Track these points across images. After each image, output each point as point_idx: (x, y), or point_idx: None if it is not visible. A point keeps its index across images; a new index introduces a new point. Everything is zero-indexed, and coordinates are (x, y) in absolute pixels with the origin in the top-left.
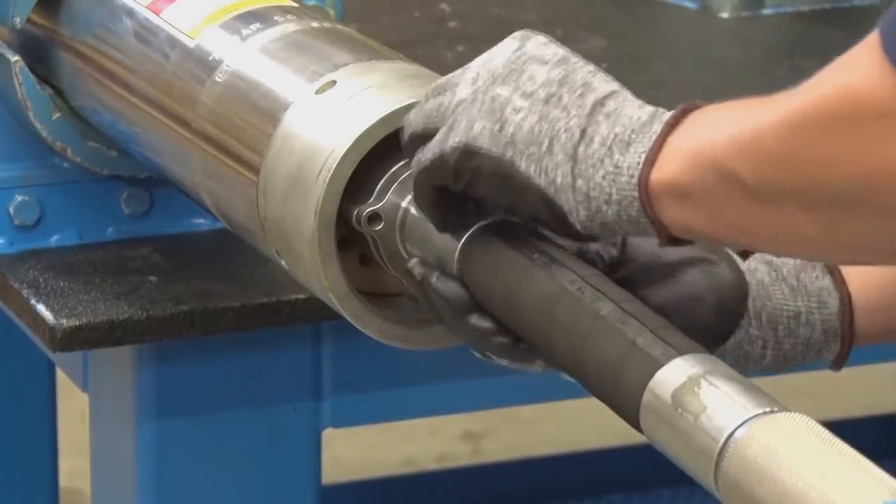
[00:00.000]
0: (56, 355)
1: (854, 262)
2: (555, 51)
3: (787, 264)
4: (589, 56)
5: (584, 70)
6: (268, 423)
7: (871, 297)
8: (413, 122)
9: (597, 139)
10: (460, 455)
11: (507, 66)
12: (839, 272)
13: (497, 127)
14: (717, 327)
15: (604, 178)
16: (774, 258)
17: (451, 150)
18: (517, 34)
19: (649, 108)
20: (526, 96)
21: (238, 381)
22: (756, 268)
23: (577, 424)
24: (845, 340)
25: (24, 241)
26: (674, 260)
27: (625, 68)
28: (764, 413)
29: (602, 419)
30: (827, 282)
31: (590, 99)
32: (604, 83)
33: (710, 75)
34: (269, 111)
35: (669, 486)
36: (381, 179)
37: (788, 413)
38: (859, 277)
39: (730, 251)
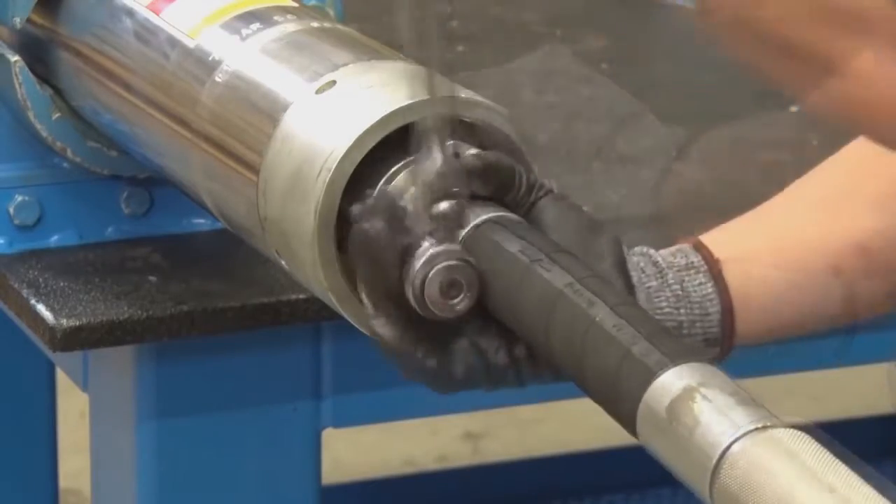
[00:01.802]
0: (56, 355)
1: None
2: None
3: (673, 266)
4: (589, 56)
5: None
6: (268, 423)
7: (750, 304)
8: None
9: None
10: (460, 455)
11: None
12: (722, 278)
13: None
14: None
15: None
16: (660, 256)
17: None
18: None
19: None
20: None
21: (238, 381)
22: (644, 268)
23: (577, 424)
24: (725, 347)
25: (24, 241)
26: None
27: (625, 68)
28: (758, 429)
29: (602, 419)
30: (710, 288)
31: None
32: None
33: (710, 75)
34: (268, 111)
35: (669, 486)
36: (381, 179)
37: (783, 428)
38: (739, 288)
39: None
